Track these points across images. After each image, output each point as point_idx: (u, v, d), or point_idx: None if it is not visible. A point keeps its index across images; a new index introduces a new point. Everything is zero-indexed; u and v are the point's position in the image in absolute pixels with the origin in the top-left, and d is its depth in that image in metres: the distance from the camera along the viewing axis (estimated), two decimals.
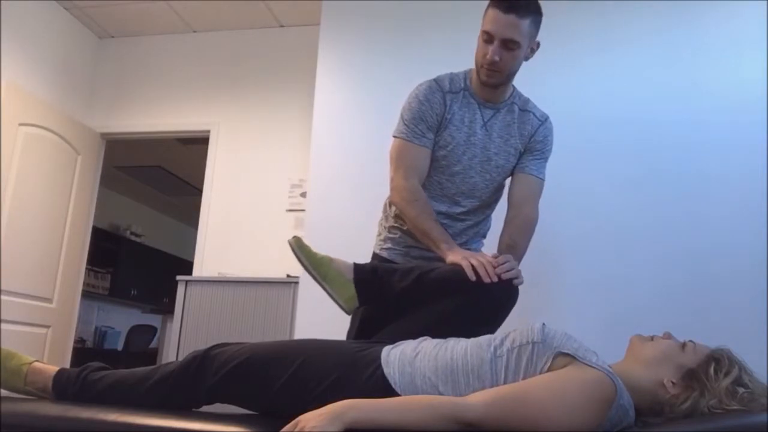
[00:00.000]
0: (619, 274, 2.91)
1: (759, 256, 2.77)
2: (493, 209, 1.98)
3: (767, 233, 2.78)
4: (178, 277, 3.58)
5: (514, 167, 1.90)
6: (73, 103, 4.38)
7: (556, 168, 3.13)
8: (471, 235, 1.92)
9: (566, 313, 2.82)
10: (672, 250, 2.90)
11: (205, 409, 1.36)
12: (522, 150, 1.89)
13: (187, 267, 4.28)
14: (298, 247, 1.63)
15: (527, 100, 1.93)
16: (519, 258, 1.72)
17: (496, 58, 1.71)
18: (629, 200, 3.01)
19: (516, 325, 1.25)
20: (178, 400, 1.34)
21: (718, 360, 1.19)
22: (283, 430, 1.06)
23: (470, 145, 1.84)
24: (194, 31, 4.49)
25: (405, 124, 1.83)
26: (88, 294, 5.95)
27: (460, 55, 2.88)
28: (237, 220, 4.05)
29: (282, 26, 4.32)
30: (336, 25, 3.65)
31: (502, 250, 1.72)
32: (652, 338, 1.28)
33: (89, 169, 4.35)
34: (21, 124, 3.79)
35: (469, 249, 1.87)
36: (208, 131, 4.26)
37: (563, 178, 3.12)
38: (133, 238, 7.48)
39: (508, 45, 1.72)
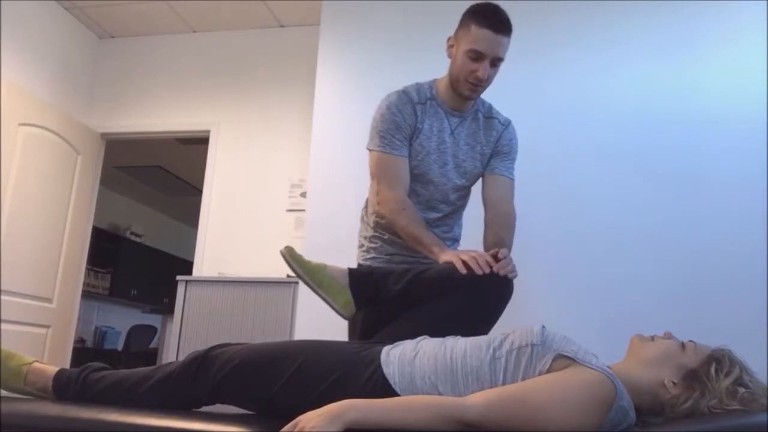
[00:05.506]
0: (619, 275, 2.91)
1: (759, 256, 2.77)
2: (462, 213, 2.04)
3: (767, 233, 2.79)
4: (178, 277, 3.58)
5: (484, 171, 1.96)
6: (73, 103, 4.38)
7: (556, 168, 3.16)
8: (445, 240, 1.95)
9: (566, 313, 2.81)
10: (672, 250, 2.90)
11: (205, 409, 1.36)
12: (489, 154, 1.95)
13: (187, 267, 4.28)
14: (291, 256, 1.64)
15: (490, 107, 1.99)
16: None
17: (486, 76, 1.78)
18: (629, 200, 3.01)
19: (515, 326, 1.25)
20: (178, 401, 1.34)
21: (719, 360, 1.19)
22: (282, 430, 1.06)
23: (441, 153, 1.89)
24: (194, 31, 4.49)
25: (381, 136, 1.85)
26: (88, 294, 5.95)
27: None
28: (237, 220, 4.05)
29: (282, 26, 4.32)
30: (336, 25, 3.65)
31: (489, 248, 1.74)
32: (652, 338, 1.28)
33: (89, 169, 4.34)
34: (21, 124, 3.79)
35: None
36: (208, 131, 4.27)
37: (564, 179, 3.13)
38: (133, 238, 7.48)
39: (495, 62, 1.80)
